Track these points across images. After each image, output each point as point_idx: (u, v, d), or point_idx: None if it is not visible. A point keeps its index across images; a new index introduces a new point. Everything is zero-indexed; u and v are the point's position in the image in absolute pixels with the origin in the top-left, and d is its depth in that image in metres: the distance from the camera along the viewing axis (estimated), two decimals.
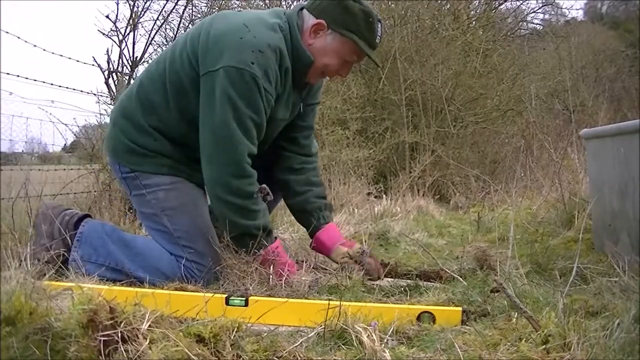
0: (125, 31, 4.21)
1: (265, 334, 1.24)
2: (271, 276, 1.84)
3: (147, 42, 4.58)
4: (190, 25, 5.61)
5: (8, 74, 3.23)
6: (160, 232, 2.01)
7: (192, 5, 5.63)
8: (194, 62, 1.92)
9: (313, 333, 1.33)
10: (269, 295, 1.70)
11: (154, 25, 4.78)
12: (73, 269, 1.94)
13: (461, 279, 1.92)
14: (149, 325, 1.03)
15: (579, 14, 25.66)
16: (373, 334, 1.20)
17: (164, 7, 4.98)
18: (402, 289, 1.89)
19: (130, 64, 4.26)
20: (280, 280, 1.83)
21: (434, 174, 6.39)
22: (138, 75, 4.30)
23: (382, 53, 6.95)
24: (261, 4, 7.53)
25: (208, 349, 1.08)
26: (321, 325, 1.32)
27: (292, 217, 3.37)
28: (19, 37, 3.53)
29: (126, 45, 4.22)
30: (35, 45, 3.70)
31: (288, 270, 1.90)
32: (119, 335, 0.99)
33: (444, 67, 7.26)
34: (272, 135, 2.13)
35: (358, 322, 1.29)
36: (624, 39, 17.45)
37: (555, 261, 2.12)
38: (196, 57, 1.91)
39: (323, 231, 2.21)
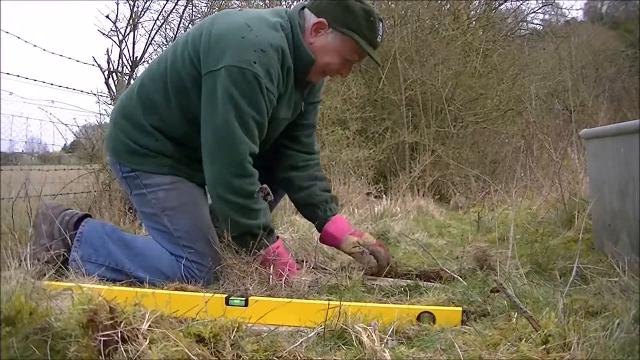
0: (125, 31, 4.22)
1: (265, 334, 1.24)
2: (271, 276, 1.84)
3: (147, 42, 4.59)
4: (190, 25, 5.62)
5: (8, 74, 3.24)
6: (161, 232, 2.01)
7: (192, 5, 5.64)
8: (196, 61, 1.92)
9: (313, 333, 1.33)
10: (269, 295, 1.70)
11: (154, 25, 4.79)
12: (73, 269, 1.94)
13: (461, 279, 1.92)
14: (149, 325, 1.03)
15: (579, 14, 25.68)
16: (373, 334, 1.20)
17: (164, 7, 4.99)
18: (402, 289, 1.88)
19: (130, 64, 4.26)
20: (280, 280, 1.83)
21: (434, 174, 6.39)
22: (138, 75, 4.32)
23: (382, 53, 6.94)
24: (261, 3, 7.53)
25: (208, 349, 1.08)
26: (321, 325, 1.32)
27: (292, 217, 3.40)
28: (19, 37, 3.53)
29: (126, 45, 4.23)
30: (35, 45, 3.70)
31: (288, 270, 1.89)
32: (119, 335, 0.99)
33: (444, 67, 7.27)
34: (273, 135, 2.13)
35: (358, 322, 1.29)
36: (624, 39, 17.45)
37: (555, 261, 2.12)
38: (198, 56, 1.91)
39: (331, 223, 2.22)
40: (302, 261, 2.16)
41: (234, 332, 1.13)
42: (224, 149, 1.89)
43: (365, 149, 6.36)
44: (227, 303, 1.56)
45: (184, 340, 1.03)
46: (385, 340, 1.30)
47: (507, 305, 1.51)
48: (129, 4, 4.32)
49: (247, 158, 1.91)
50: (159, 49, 6.10)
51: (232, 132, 1.87)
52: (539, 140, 5.67)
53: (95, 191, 3.62)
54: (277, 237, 2.07)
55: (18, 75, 3.34)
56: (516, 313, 1.37)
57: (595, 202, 2.40)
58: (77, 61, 4.05)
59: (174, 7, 5.12)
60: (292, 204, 2.46)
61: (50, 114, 3.60)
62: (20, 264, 1.50)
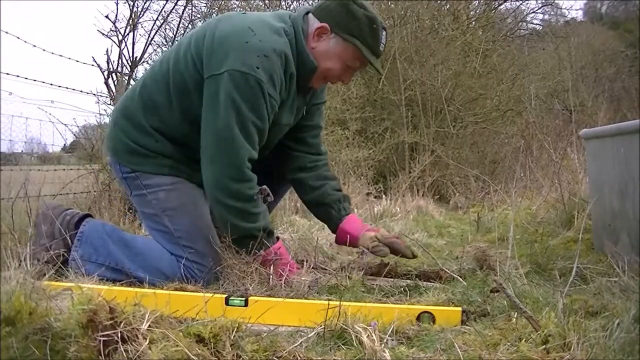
0: (125, 31, 4.22)
1: (265, 334, 1.24)
2: (271, 276, 1.84)
3: (146, 42, 4.59)
4: (189, 25, 5.61)
5: (8, 74, 3.24)
6: (161, 232, 2.01)
7: (192, 6, 5.63)
8: (198, 64, 1.92)
9: (313, 333, 1.33)
10: (269, 296, 1.70)
11: (153, 25, 4.79)
12: (73, 268, 1.94)
13: (461, 279, 1.91)
14: (149, 326, 1.03)
15: (579, 14, 25.67)
16: (373, 334, 1.20)
17: (163, 7, 4.99)
18: (402, 289, 1.88)
19: (130, 64, 4.26)
20: (280, 280, 1.83)
21: (434, 174, 6.39)
22: (138, 75, 4.33)
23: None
24: (261, 4, 7.53)
25: (208, 349, 1.08)
26: (321, 325, 1.32)
27: (292, 217, 3.40)
28: (18, 37, 3.53)
29: (126, 45, 4.23)
30: (34, 45, 3.70)
31: (288, 270, 1.89)
32: (119, 335, 0.99)
33: (443, 67, 7.27)
34: (274, 140, 2.13)
35: (358, 322, 1.29)
36: (623, 39, 17.44)
37: (555, 261, 2.12)
38: (200, 59, 1.91)
39: (346, 222, 2.22)
40: (302, 261, 2.16)
41: (234, 332, 1.13)
42: (223, 153, 1.89)
43: (364, 149, 6.36)
44: (227, 303, 1.56)
45: (183, 341, 1.03)
46: (385, 340, 1.30)
47: (507, 305, 1.51)
48: (129, 4, 4.33)
49: (245, 163, 1.91)
50: (158, 49, 6.11)
51: (232, 137, 1.87)
52: (538, 140, 5.66)
53: (94, 191, 3.62)
54: (278, 238, 2.07)
55: (18, 76, 3.35)
56: (516, 313, 1.37)
57: (595, 202, 2.40)
58: (77, 61, 4.06)
59: (174, 7, 5.12)
60: (304, 205, 2.46)
61: (50, 114, 3.61)
62: (20, 264, 1.50)
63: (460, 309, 1.52)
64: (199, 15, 6.13)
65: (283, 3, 7.45)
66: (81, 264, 1.96)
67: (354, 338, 1.23)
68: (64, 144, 4.75)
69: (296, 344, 1.22)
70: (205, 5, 6.45)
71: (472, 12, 9.32)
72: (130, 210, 3.06)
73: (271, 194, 2.02)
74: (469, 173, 6.20)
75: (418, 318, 1.50)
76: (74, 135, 4.25)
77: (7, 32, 3.34)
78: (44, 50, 3.76)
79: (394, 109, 7.29)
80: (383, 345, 1.22)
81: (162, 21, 5.15)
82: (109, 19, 4.15)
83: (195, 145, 1.95)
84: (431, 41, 7.52)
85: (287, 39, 1.95)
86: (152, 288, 1.76)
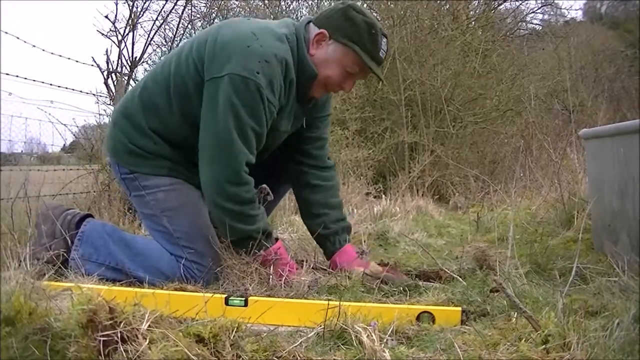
0: (125, 31, 4.22)
1: (265, 334, 1.24)
2: (271, 276, 1.85)
3: (146, 43, 4.58)
4: (189, 26, 5.62)
5: (7, 74, 3.24)
6: (160, 232, 2.01)
7: (191, 6, 5.63)
8: (200, 67, 1.92)
9: (313, 333, 1.33)
10: (269, 296, 1.70)
11: (153, 25, 4.78)
12: (73, 268, 1.95)
13: (460, 279, 1.91)
14: (149, 326, 1.03)
15: (578, 14, 25.66)
16: (373, 334, 1.20)
17: (163, 8, 4.99)
18: (402, 289, 1.88)
19: (130, 64, 4.26)
20: (280, 280, 1.83)
21: (433, 174, 6.39)
22: (138, 75, 4.33)
23: None
24: (260, 3, 7.53)
25: (208, 349, 1.08)
26: (321, 325, 1.32)
27: (292, 217, 3.40)
28: (18, 37, 3.53)
29: (125, 45, 4.22)
30: (34, 46, 3.70)
31: (288, 270, 1.89)
32: (119, 335, 0.99)
33: (443, 67, 7.27)
34: (272, 146, 2.12)
35: (358, 322, 1.29)
36: (623, 39, 17.45)
37: (555, 261, 2.12)
38: (202, 62, 1.91)
39: (339, 254, 2.20)
40: (302, 261, 2.16)
41: (234, 332, 1.13)
42: (221, 156, 1.89)
43: (364, 149, 6.37)
44: (226, 303, 1.56)
45: (183, 341, 1.03)
46: (385, 340, 1.30)
47: (506, 305, 1.51)
48: (128, 4, 4.33)
49: (243, 167, 1.91)
50: (158, 50, 6.11)
51: (231, 141, 1.87)
52: (538, 140, 5.67)
53: (94, 191, 3.62)
54: (277, 239, 2.07)
55: (17, 76, 3.35)
56: (516, 313, 1.37)
57: (594, 202, 2.40)
58: (77, 61, 4.05)
59: (173, 7, 5.12)
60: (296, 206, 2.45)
61: (50, 114, 3.60)
62: (20, 264, 1.50)
63: (460, 308, 1.52)
64: (198, 16, 6.13)
65: (283, 3, 7.46)
66: (81, 263, 1.96)
67: (353, 338, 1.23)
68: (64, 144, 4.76)
69: (296, 344, 1.23)
70: (204, 5, 6.46)
71: (471, 12, 9.32)
72: (130, 211, 3.06)
73: (271, 193, 2.01)
74: (469, 173, 6.20)
75: (418, 318, 1.50)
76: (74, 135, 4.25)
77: (7, 32, 3.34)
78: (43, 50, 3.76)
79: (394, 109, 7.29)
80: (383, 345, 1.22)
81: (161, 21, 5.15)
82: (109, 19, 4.15)
83: (194, 148, 1.95)
84: (431, 41, 7.52)
85: (288, 46, 1.96)
86: (152, 288, 1.76)
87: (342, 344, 1.26)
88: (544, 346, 1.11)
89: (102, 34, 4.17)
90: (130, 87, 3.63)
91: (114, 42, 4.18)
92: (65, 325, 1.01)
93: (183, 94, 1.96)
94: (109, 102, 4.04)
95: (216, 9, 6.21)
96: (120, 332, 0.99)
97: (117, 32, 4.18)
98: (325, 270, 2.13)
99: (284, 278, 1.83)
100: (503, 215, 3.83)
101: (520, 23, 11.30)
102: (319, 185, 2.27)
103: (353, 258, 2.17)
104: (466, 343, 1.26)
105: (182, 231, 1.99)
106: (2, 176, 2.87)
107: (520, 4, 10.88)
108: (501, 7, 10.11)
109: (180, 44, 2.36)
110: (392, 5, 7.80)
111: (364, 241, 2.61)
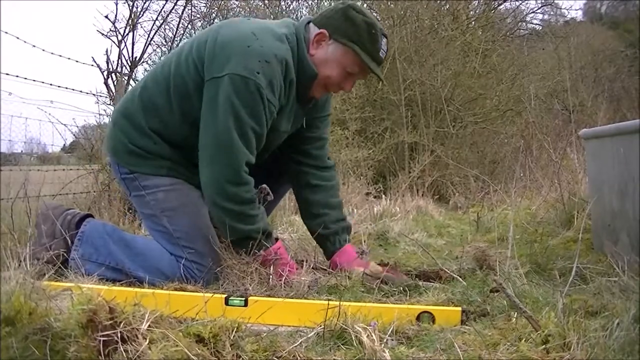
0: (125, 31, 4.22)
1: (265, 334, 1.24)
2: (271, 276, 1.84)
3: (146, 43, 4.59)
4: (189, 26, 5.62)
5: (7, 74, 3.24)
6: (160, 232, 2.01)
7: (191, 6, 5.63)
8: (200, 67, 1.92)
9: (313, 333, 1.33)
10: (269, 296, 1.70)
11: (153, 25, 4.78)
12: (73, 268, 1.95)
13: (460, 279, 1.91)
14: (149, 326, 1.03)
15: (578, 14, 25.66)
16: (373, 334, 1.20)
17: (163, 7, 5.00)
18: (402, 289, 1.88)
19: (130, 64, 4.26)
20: (280, 280, 1.83)
21: (433, 174, 6.39)
22: (138, 75, 4.33)
23: None
24: (260, 3, 7.53)
25: (208, 349, 1.08)
26: (321, 325, 1.32)
27: (292, 217, 3.40)
28: (18, 37, 3.53)
29: (125, 45, 4.23)
30: (34, 46, 3.70)
31: (288, 270, 1.89)
32: (119, 335, 0.99)
33: (443, 67, 7.27)
34: (272, 146, 2.12)
35: (358, 322, 1.29)
36: (623, 39, 17.45)
37: (555, 261, 2.12)
38: (202, 62, 1.91)
39: (339, 254, 2.20)
40: (302, 261, 2.16)
41: (234, 332, 1.13)
42: (221, 156, 1.89)
43: (364, 149, 6.37)
44: (226, 303, 1.56)
45: (183, 340, 1.03)
46: (385, 340, 1.30)
47: (506, 305, 1.51)
48: (128, 4, 4.33)
49: (243, 167, 1.91)
50: (158, 49, 6.11)
51: (231, 141, 1.87)
52: (538, 140, 5.67)
53: (94, 191, 3.62)
54: (277, 239, 2.07)
55: (17, 76, 3.35)
56: (516, 313, 1.37)
57: (594, 202, 2.40)
58: (77, 61, 4.05)
59: (173, 7, 5.12)
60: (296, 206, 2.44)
61: (50, 114, 3.60)
62: (19, 264, 1.50)
63: (460, 308, 1.52)
64: (198, 15, 6.13)
65: (283, 3, 7.46)
66: (81, 263, 1.96)
67: (353, 338, 1.23)
68: (64, 144, 4.76)
69: (296, 344, 1.23)
70: (204, 5, 6.46)
71: (471, 12, 9.32)
72: (130, 211, 3.06)
73: (271, 193, 2.01)
74: (469, 173, 6.20)
75: (418, 318, 1.50)
76: (74, 135, 4.25)
77: (7, 32, 3.34)
78: (43, 50, 3.77)
79: (394, 109, 7.29)
80: (383, 345, 1.22)
81: (161, 21, 5.15)
82: (109, 19, 4.15)
83: (194, 148, 1.95)
84: (431, 41, 7.52)
85: (289, 46, 1.96)
86: (152, 288, 1.76)
87: (342, 344, 1.26)
88: (544, 346, 1.11)
89: (102, 34, 4.17)
90: (130, 87, 3.63)
91: (114, 42, 4.18)
92: (65, 325, 1.01)
93: (183, 94, 1.96)
94: (109, 102, 4.04)
95: (216, 9, 6.21)
96: (120, 332, 0.99)
97: (117, 32, 4.18)
98: (325, 270, 2.13)
99: (284, 278, 1.83)
100: (503, 215, 3.83)
101: (520, 23, 11.31)
102: (319, 185, 2.27)
103: (353, 258, 2.17)
104: (466, 343, 1.26)
105: (182, 231, 1.99)
106: (2, 176, 2.87)
107: (520, 4, 10.91)
108: (501, 7, 10.12)
109: (180, 44, 2.36)
110: (392, 5, 7.80)
111: (364, 241, 2.61)
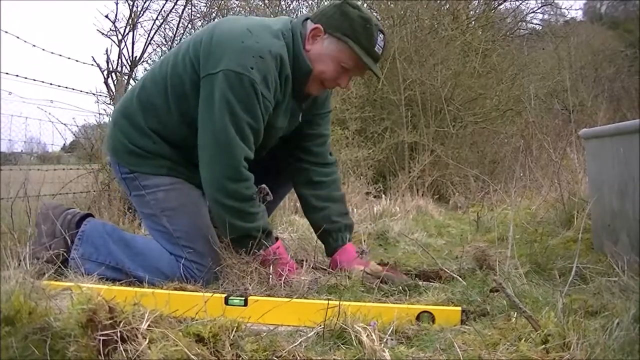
0: (125, 31, 4.22)
1: (265, 334, 1.24)
2: (270, 276, 1.84)
3: (146, 42, 4.58)
4: (189, 25, 5.62)
5: (7, 73, 3.24)
6: (160, 232, 2.01)
7: (192, 5, 5.63)
8: (196, 65, 1.92)
9: (312, 333, 1.33)
10: (269, 295, 1.70)
11: (153, 25, 4.78)
12: (73, 268, 1.95)
13: (460, 279, 1.91)
14: (148, 325, 1.03)
15: (578, 14, 25.67)
16: (372, 334, 1.20)
17: (163, 7, 5.00)
18: (401, 288, 1.88)
19: (130, 63, 4.26)
20: (280, 280, 1.83)
21: (433, 174, 6.39)
22: (138, 75, 4.33)
23: None
24: (260, 3, 7.53)
25: (207, 348, 1.08)
26: (320, 325, 1.32)
27: (292, 217, 3.40)
28: (18, 37, 3.53)
29: (125, 45, 4.22)
30: (34, 45, 3.70)
31: (288, 270, 1.89)
32: (118, 335, 0.99)
33: (443, 67, 7.26)
34: (270, 142, 2.12)
35: (357, 321, 1.29)
36: (623, 39, 17.45)
37: (555, 261, 2.12)
38: (198, 60, 1.91)
39: (340, 252, 2.20)
40: (302, 261, 2.16)
41: (234, 331, 1.13)
42: (219, 153, 1.89)
43: (364, 149, 6.36)
44: (226, 303, 1.56)
45: (183, 340, 1.03)
46: (384, 340, 1.30)
47: (506, 305, 1.51)
48: (128, 4, 4.33)
49: (242, 162, 1.91)
50: (158, 49, 6.10)
51: (228, 138, 1.87)
52: (538, 140, 5.67)
53: (94, 191, 3.62)
54: (277, 238, 2.07)
55: (17, 75, 3.35)
56: (515, 313, 1.37)
57: (594, 202, 2.40)
58: (77, 61, 4.06)
59: (173, 7, 5.11)
60: (298, 206, 2.44)
61: (50, 113, 3.61)
62: (19, 264, 1.50)
63: (459, 308, 1.52)
64: (198, 15, 6.13)
65: (283, 3, 7.45)
66: (81, 263, 1.96)
67: (353, 338, 1.23)
68: (64, 144, 4.76)
69: (296, 344, 1.22)
70: (205, 5, 6.46)
71: (471, 12, 9.32)
72: (130, 210, 3.06)
73: (270, 193, 2.01)
74: (469, 173, 6.20)
75: (418, 318, 1.50)
76: (74, 134, 4.25)
77: (7, 32, 3.34)
78: (43, 49, 3.76)
79: (394, 108, 7.29)
80: (383, 344, 1.22)
81: (161, 21, 5.15)
82: (109, 19, 4.15)
83: (193, 149, 1.95)
84: (431, 41, 7.52)
85: (284, 42, 1.95)
86: (151, 288, 1.76)
87: (342, 344, 1.26)
88: (543, 346, 1.11)
89: (102, 34, 4.17)
90: (130, 87, 3.63)
91: (114, 42, 4.18)
92: (65, 324, 1.01)
93: (180, 93, 1.96)
94: (108, 102, 4.04)
95: (216, 8, 6.20)
96: (120, 331, 0.99)
97: (117, 32, 4.18)
98: (325, 270, 2.13)
99: (283, 278, 1.83)
100: (503, 215, 3.83)
101: (520, 23, 11.30)
102: (320, 181, 2.27)
103: (353, 257, 2.17)
104: (466, 343, 1.26)
105: (181, 231, 1.99)
106: (2, 176, 2.87)
107: (520, 4, 10.91)
108: (501, 6, 10.11)
109: (178, 44, 2.36)
110: (392, 5, 7.79)
111: (364, 241, 2.61)
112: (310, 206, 2.28)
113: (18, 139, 3.80)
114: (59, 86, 3.76)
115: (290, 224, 3.19)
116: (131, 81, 4.23)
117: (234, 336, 1.12)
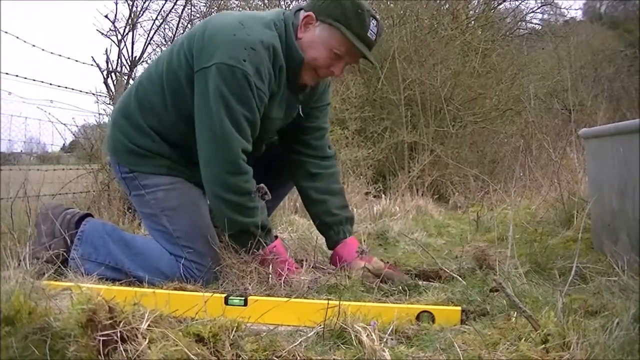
0: (124, 31, 4.22)
1: (265, 334, 1.24)
2: (270, 276, 1.84)
3: (145, 42, 4.58)
4: (189, 25, 5.62)
5: (7, 73, 3.23)
6: (160, 232, 2.01)
7: (191, 5, 5.63)
8: (191, 61, 1.92)
9: (312, 332, 1.33)
10: (268, 295, 1.69)
11: (152, 25, 4.79)
12: (73, 268, 1.95)
13: (460, 279, 1.91)
14: (148, 325, 1.03)
15: (578, 14, 25.70)
16: (372, 334, 1.20)
17: (162, 7, 5.01)
18: (401, 288, 1.88)
19: (129, 63, 4.26)
20: (280, 279, 1.83)
21: (433, 174, 6.39)
22: (137, 75, 4.32)
23: (380, 53, 6.95)
24: (260, 3, 7.52)
25: (207, 348, 1.08)
26: (320, 325, 1.32)
27: (291, 217, 3.40)
28: (17, 37, 3.53)
29: (125, 45, 4.23)
30: (34, 45, 3.70)
31: (287, 269, 1.89)
32: (118, 335, 0.99)
33: (442, 66, 7.26)
34: (267, 134, 2.12)
35: (357, 321, 1.29)
36: (623, 39, 17.45)
37: (555, 261, 2.12)
38: (192, 55, 1.92)
39: (342, 246, 2.19)
40: (302, 261, 2.16)
41: (234, 331, 1.13)
42: (217, 148, 1.90)
43: (364, 149, 6.36)
44: (226, 303, 1.56)
45: (183, 340, 1.03)
46: (384, 340, 1.30)
47: (506, 305, 1.51)
48: (128, 4, 4.33)
49: (240, 155, 1.91)
50: (157, 49, 6.11)
51: (225, 132, 1.87)
52: (538, 139, 5.66)
53: (94, 191, 3.62)
54: (276, 237, 2.07)
55: (17, 75, 3.34)
56: (515, 312, 1.37)
57: (594, 201, 2.40)
58: (76, 61, 4.05)
59: (173, 7, 5.12)
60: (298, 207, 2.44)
61: (49, 113, 3.60)
62: (19, 264, 1.50)
63: (459, 308, 1.52)
64: (198, 15, 6.13)
65: (282, 3, 7.45)
66: (81, 263, 1.96)
67: (353, 337, 1.23)
68: (63, 144, 4.76)
69: (296, 344, 1.22)
70: (204, 5, 6.46)
71: (471, 12, 9.31)
72: (130, 210, 3.06)
73: (268, 192, 2.01)
74: (469, 172, 6.20)
75: (417, 317, 1.50)
76: (73, 135, 4.25)
77: (6, 32, 3.34)
78: (43, 50, 3.76)
79: (393, 108, 7.29)
80: (382, 344, 1.21)
81: (161, 21, 5.16)
82: (108, 19, 4.15)
83: (192, 148, 1.95)
84: (430, 41, 7.51)
85: (276, 32, 1.95)
86: (151, 288, 1.76)
87: (342, 344, 1.26)
88: (543, 346, 1.11)
89: (102, 34, 4.17)
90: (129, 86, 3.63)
91: (113, 42, 4.18)
92: (64, 324, 1.01)
93: (176, 90, 1.96)
94: (108, 102, 4.04)
95: (216, 8, 6.20)
96: (119, 331, 0.99)
97: (117, 32, 4.19)
98: (325, 269, 2.13)
99: (283, 277, 1.83)
100: (503, 214, 3.83)
101: (520, 22, 11.29)
102: (319, 173, 2.27)
103: (355, 252, 2.17)
104: (466, 342, 1.26)
105: (181, 231, 1.99)
106: (2, 176, 2.87)
107: (520, 4, 10.91)
108: (501, 6, 10.10)
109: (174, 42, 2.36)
110: (391, 4, 7.79)
111: (364, 241, 2.61)
112: (309, 199, 2.28)
113: (18, 139, 3.80)
114: (58, 86, 3.76)
115: (290, 224, 3.19)
116: (131, 81, 4.23)
117: (234, 336, 1.12)
